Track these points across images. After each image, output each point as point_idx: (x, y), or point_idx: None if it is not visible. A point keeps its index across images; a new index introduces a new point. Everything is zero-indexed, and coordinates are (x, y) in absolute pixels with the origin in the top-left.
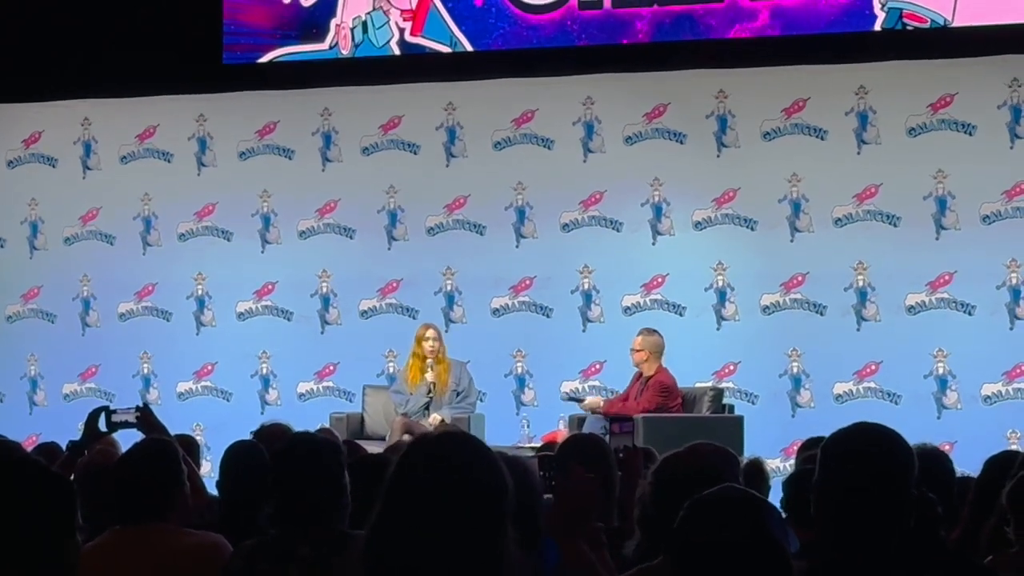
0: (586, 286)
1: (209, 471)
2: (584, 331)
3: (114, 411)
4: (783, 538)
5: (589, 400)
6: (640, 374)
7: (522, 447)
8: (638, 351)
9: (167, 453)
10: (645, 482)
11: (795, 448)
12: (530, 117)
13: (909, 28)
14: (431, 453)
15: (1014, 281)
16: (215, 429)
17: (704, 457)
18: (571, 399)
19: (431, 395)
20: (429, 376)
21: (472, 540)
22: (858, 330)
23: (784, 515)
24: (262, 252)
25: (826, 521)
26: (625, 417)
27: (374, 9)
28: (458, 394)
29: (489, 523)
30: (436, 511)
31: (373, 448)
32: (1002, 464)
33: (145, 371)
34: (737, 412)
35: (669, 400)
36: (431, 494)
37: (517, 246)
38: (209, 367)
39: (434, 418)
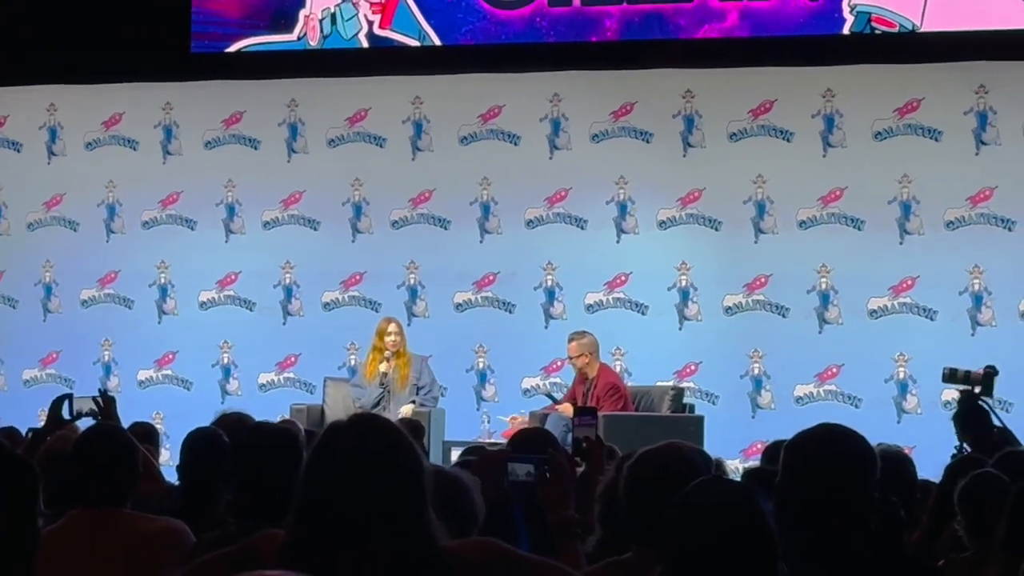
0: (549, 283)
1: (168, 459)
2: (546, 328)
3: (77, 399)
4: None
5: (563, 407)
6: (584, 376)
7: (481, 442)
8: (577, 356)
9: (124, 437)
10: (613, 478)
11: (755, 449)
12: (497, 113)
13: (878, 32)
14: (345, 436)
15: (976, 287)
16: (175, 418)
17: (682, 454)
18: (548, 396)
19: (384, 387)
20: (383, 367)
21: (391, 517)
22: (820, 333)
23: None
24: (226, 242)
25: (788, 521)
26: (589, 409)
27: (343, 1)
28: (419, 389)
29: (407, 498)
30: (353, 491)
31: None
32: (963, 469)
33: (106, 358)
34: (697, 412)
35: (623, 399)
36: (348, 476)
37: (481, 241)
38: (170, 356)
39: (405, 409)
